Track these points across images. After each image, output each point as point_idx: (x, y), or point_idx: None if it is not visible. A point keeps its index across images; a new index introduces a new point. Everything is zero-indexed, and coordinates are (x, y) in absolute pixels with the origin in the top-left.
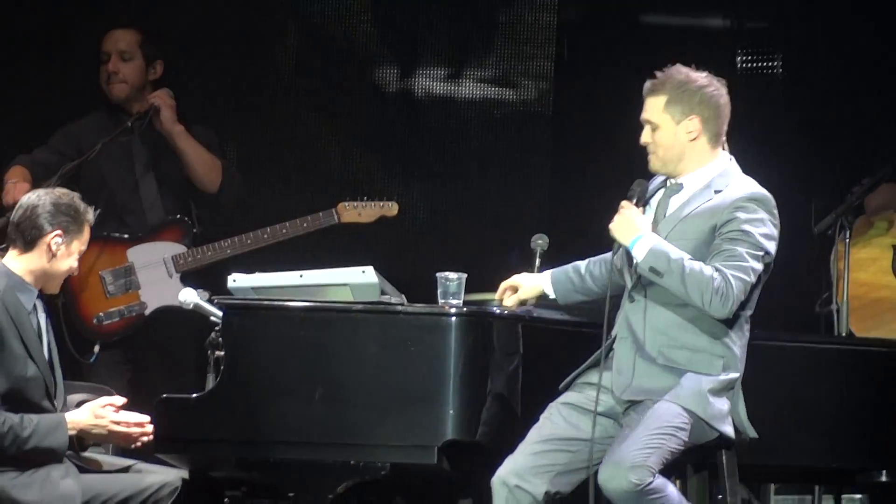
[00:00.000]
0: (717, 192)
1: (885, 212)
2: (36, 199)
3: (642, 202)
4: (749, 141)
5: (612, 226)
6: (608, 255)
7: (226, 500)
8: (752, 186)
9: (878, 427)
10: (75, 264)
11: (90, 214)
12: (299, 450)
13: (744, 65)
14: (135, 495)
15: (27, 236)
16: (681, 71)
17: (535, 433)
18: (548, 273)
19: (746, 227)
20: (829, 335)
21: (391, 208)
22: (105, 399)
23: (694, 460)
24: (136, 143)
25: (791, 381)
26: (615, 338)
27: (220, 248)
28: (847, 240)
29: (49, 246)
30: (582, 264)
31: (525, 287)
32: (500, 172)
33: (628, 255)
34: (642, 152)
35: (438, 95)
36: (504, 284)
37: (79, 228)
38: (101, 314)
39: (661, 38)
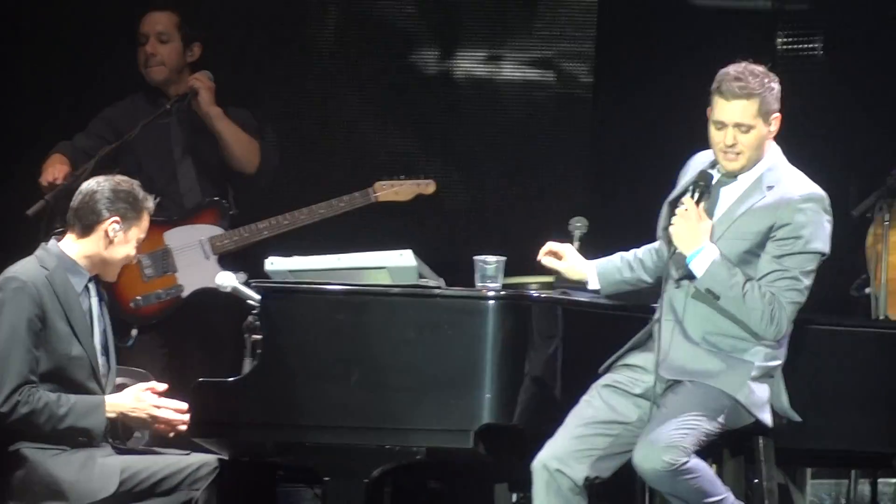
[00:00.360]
0: (769, 187)
1: None
2: (95, 184)
3: (706, 198)
4: (789, 123)
5: (673, 229)
6: (655, 244)
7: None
8: (806, 184)
9: None
10: (133, 252)
11: (149, 202)
12: (335, 433)
13: (784, 46)
14: (173, 474)
15: (85, 221)
16: (759, 70)
17: (575, 417)
18: (594, 264)
19: (803, 232)
20: (867, 319)
21: (428, 186)
22: (146, 384)
23: (730, 444)
24: (174, 125)
25: (827, 365)
26: (658, 320)
27: (256, 230)
28: (886, 222)
29: (106, 232)
30: (630, 256)
31: (568, 265)
32: (539, 154)
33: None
34: (683, 135)
35: (478, 76)
36: (551, 246)
37: (137, 216)
38: (138, 298)
39: (702, 18)
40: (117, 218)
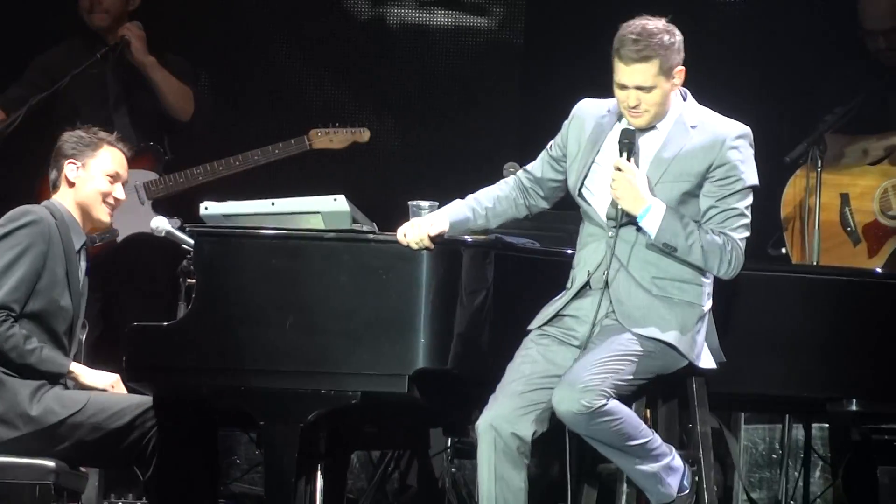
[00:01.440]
0: (692, 127)
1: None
2: (57, 143)
3: (633, 155)
4: (716, 67)
5: (614, 192)
6: (496, 189)
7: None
8: (731, 122)
9: (848, 356)
10: (105, 186)
11: (104, 134)
12: (270, 378)
13: None
14: (123, 410)
15: (53, 179)
16: (657, 28)
17: (514, 373)
18: (447, 218)
19: (741, 168)
20: (801, 264)
21: (363, 134)
22: (115, 378)
23: (663, 389)
24: (109, 74)
25: (759, 310)
26: (599, 269)
27: (191, 176)
28: (819, 168)
29: (66, 178)
30: (474, 205)
31: (428, 224)
32: (471, 100)
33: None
34: (609, 79)
35: (410, 22)
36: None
37: (91, 150)
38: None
39: None
40: (71, 160)
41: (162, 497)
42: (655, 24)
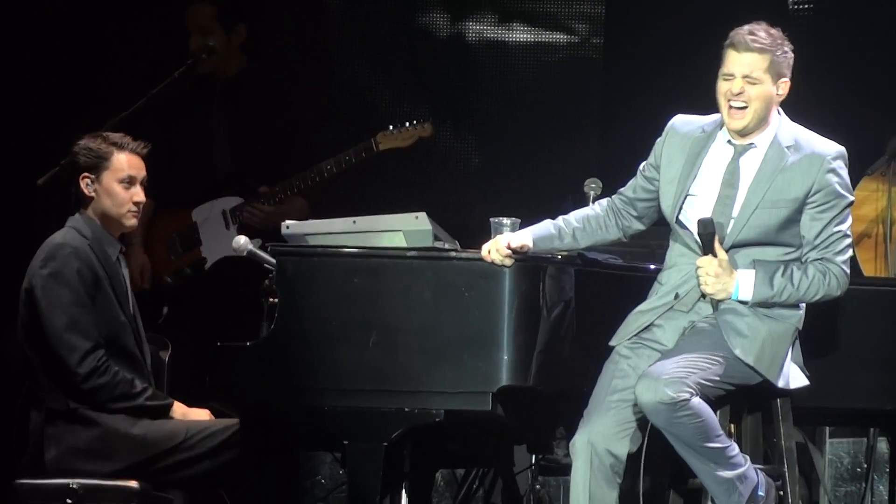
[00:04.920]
0: (788, 147)
1: None
2: (71, 153)
3: (714, 244)
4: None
5: (703, 287)
6: (587, 210)
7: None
8: (825, 141)
9: None
10: (121, 194)
11: (115, 138)
12: (353, 397)
13: (795, 6)
14: (214, 434)
15: (75, 192)
16: (775, 31)
17: (605, 387)
18: (530, 237)
19: (840, 189)
20: (883, 277)
21: (427, 129)
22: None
23: (748, 403)
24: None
25: (845, 324)
26: (686, 294)
27: (272, 194)
28: None
29: (86, 194)
30: (563, 224)
31: (509, 239)
32: (551, 117)
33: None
34: (691, 95)
35: (490, 39)
36: (511, 244)
37: (103, 160)
38: (168, 279)
39: None
40: (85, 174)
41: None
42: (773, 28)
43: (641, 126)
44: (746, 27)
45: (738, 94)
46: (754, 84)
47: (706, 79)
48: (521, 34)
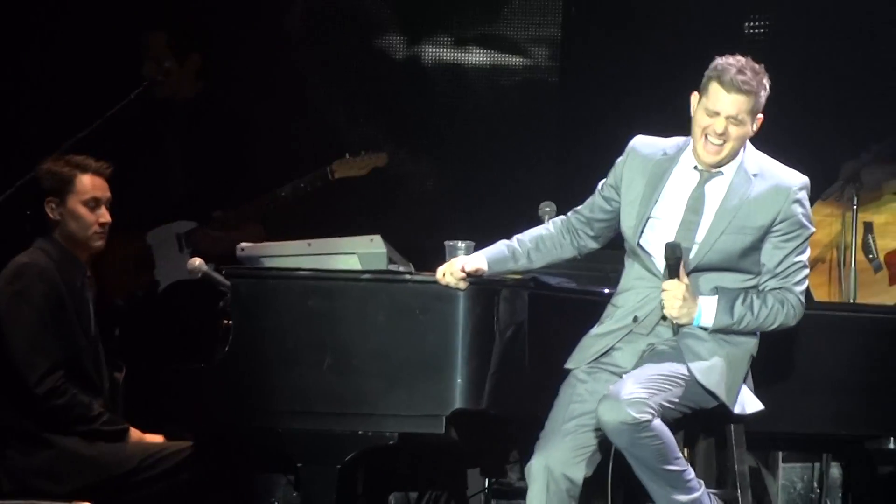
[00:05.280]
0: (754, 175)
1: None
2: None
3: (679, 269)
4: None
5: (666, 310)
6: (540, 230)
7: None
8: (790, 171)
9: (887, 394)
10: (86, 216)
11: (78, 160)
12: (307, 419)
13: (750, 31)
14: (168, 456)
15: (47, 226)
16: (759, 68)
17: (562, 410)
18: (484, 259)
19: (804, 220)
20: (838, 303)
21: (382, 159)
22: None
23: (701, 428)
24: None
25: (797, 348)
26: (646, 317)
27: (226, 220)
28: (855, 206)
29: (51, 219)
30: (516, 245)
31: (462, 263)
32: (506, 139)
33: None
34: (648, 118)
35: (445, 62)
36: (466, 269)
37: (65, 183)
38: (119, 302)
39: (670, 3)
40: (49, 198)
41: None
42: (756, 65)
43: (598, 149)
44: (735, 62)
45: (722, 133)
46: (737, 125)
47: (663, 101)
48: (477, 57)
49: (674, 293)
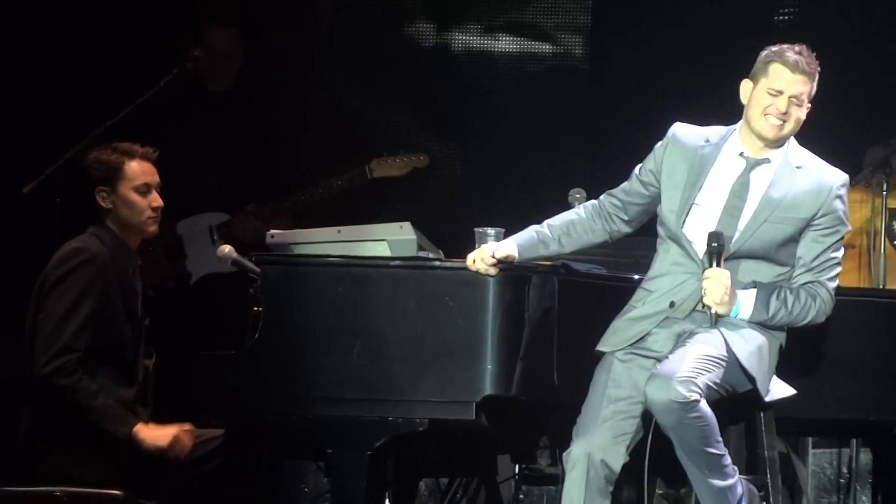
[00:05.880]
0: (797, 167)
1: None
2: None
3: (720, 258)
4: None
5: (707, 297)
6: (570, 215)
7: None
8: (832, 168)
9: None
10: (138, 202)
11: (125, 147)
12: (337, 406)
13: (780, 18)
14: (206, 440)
15: (96, 203)
16: (814, 56)
17: (599, 396)
18: (515, 246)
19: (844, 218)
20: (865, 288)
21: (423, 160)
22: (186, 428)
23: (732, 414)
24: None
25: (826, 334)
26: (684, 302)
27: (260, 214)
28: (885, 192)
29: (102, 207)
30: (547, 231)
31: (493, 249)
32: (537, 126)
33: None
34: (678, 103)
35: (474, 49)
36: (497, 255)
37: (117, 169)
38: (149, 291)
39: None
40: (100, 187)
41: None
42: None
43: (627, 136)
44: (794, 47)
45: (785, 112)
46: (798, 106)
47: (692, 89)
48: (506, 44)
49: (717, 281)
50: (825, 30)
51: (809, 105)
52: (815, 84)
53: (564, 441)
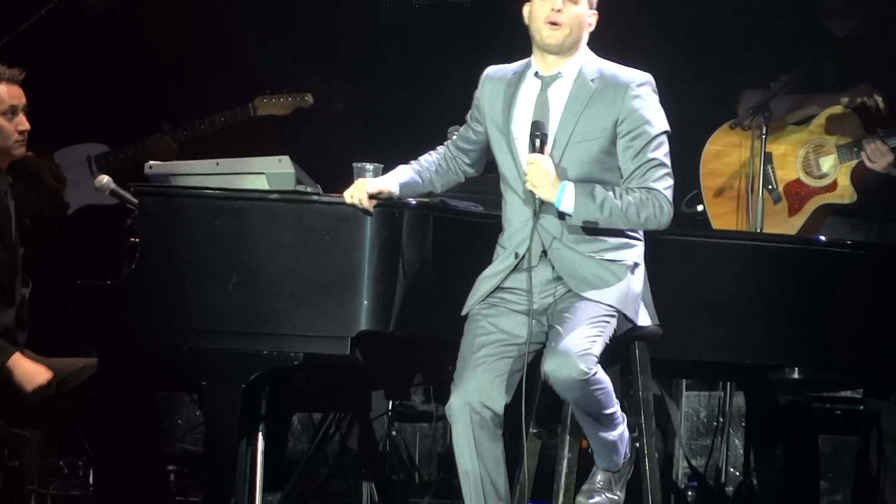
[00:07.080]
0: (592, 80)
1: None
2: None
3: (545, 143)
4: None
5: (530, 182)
6: (441, 151)
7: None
8: (629, 69)
9: (791, 324)
10: (6, 125)
11: None
12: (212, 338)
13: None
14: (72, 375)
15: None
16: None
17: (470, 346)
18: (396, 182)
19: (647, 115)
20: (738, 230)
21: (307, 100)
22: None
23: (606, 355)
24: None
25: (702, 277)
26: (527, 250)
27: (141, 148)
28: (764, 136)
29: None
30: (420, 169)
31: (370, 184)
32: (417, 63)
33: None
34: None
35: None
36: (370, 191)
37: None
38: (25, 220)
39: None
40: None
41: (105, 457)
42: None
43: None
44: None
45: (559, 10)
46: (575, 3)
47: None
48: None
49: (538, 165)
50: None
51: (594, 12)
52: None
53: (438, 379)
